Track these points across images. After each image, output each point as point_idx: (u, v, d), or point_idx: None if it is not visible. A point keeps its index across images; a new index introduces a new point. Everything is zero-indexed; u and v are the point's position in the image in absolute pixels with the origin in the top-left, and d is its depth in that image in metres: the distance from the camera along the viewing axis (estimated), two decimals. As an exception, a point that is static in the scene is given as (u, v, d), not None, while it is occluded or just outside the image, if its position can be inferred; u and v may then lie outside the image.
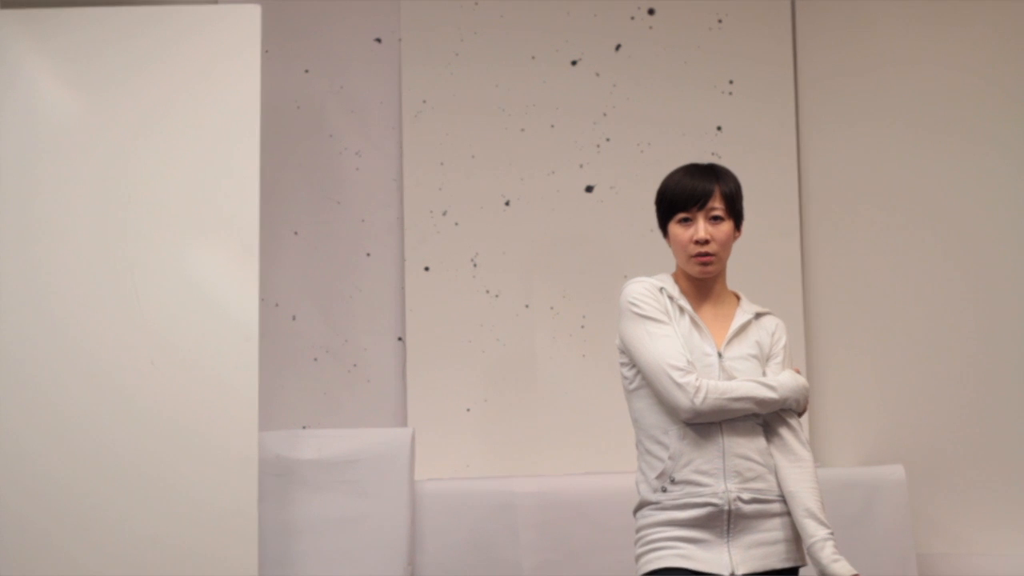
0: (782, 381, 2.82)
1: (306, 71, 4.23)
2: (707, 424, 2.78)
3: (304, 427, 4.04)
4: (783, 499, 2.80)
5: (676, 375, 2.76)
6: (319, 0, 4.25)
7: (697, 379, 2.75)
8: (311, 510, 3.67)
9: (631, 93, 4.22)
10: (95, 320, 3.47)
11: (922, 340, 4.17)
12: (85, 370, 3.45)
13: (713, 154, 4.17)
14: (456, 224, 4.16)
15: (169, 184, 3.56)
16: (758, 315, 2.93)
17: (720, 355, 2.83)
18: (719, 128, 4.21)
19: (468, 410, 4.10)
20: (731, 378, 2.81)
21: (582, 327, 4.13)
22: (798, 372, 2.90)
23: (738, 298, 2.96)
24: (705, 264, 2.86)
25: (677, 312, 2.86)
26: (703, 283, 2.90)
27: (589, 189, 4.20)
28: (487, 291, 4.15)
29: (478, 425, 4.09)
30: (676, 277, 2.92)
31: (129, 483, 3.40)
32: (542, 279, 4.17)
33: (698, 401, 2.74)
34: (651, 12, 4.25)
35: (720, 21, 4.25)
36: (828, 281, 4.21)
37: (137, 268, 3.51)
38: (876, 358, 4.17)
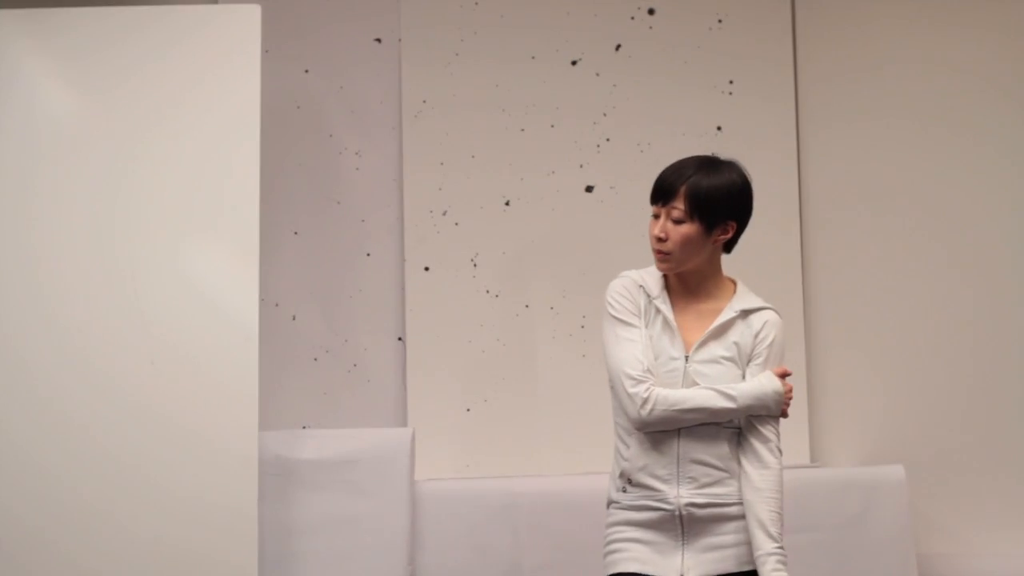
0: (745, 389, 2.77)
1: (306, 71, 4.22)
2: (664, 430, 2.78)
3: (304, 427, 4.04)
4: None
5: (627, 384, 2.76)
6: (319, 0, 4.25)
7: (648, 389, 2.74)
8: (311, 510, 3.67)
9: (631, 93, 4.22)
10: (95, 320, 3.47)
11: (922, 340, 4.17)
12: (85, 370, 3.45)
13: (713, 154, 4.16)
14: (456, 224, 4.15)
15: (169, 184, 3.56)
16: (746, 312, 2.86)
17: (687, 359, 2.81)
18: (719, 128, 4.21)
19: (468, 410, 4.09)
20: (694, 385, 2.78)
21: (582, 327, 4.12)
22: (786, 373, 2.84)
23: (735, 291, 2.90)
24: (661, 261, 2.84)
25: (653, 312, 2.84)
26: (690, 277, 2.87)
27: (589, 189, 4.19)
28: (487, 291, 4.15)
29: (478, 425, 4.08)
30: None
31: (129, 483, 3.40)
32: (542, 279, 4.16)
33: (644, 413, 2.73)
34: (651, 12, 4.25)
35: (720, 21, 4.25)
36: (828, 281, 4.21)
37: (137, 268, 3.51)
38: (876, 358, 4.17)
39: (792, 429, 4.09)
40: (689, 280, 2.87)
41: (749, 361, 2.84)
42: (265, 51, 3.72)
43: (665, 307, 2.84)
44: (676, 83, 4.22)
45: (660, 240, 2.82)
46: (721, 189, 2.81)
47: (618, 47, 4.24)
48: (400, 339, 4.15)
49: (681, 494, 2.76)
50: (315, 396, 4.12)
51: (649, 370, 2.77)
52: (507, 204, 4.18)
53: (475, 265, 4.15)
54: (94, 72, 3.62)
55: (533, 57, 4.22)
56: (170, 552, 3.37)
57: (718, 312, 2.86)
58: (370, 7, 4.25)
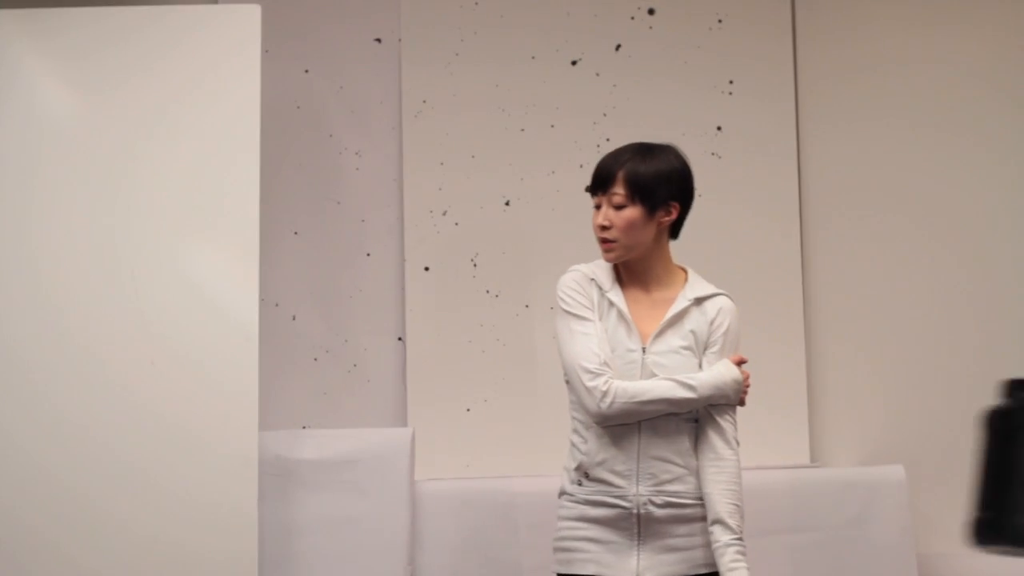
0: (704, 379, 2.74)
1: (306, 71, 4.22)
2: (625, 424, 2.75)
3: (304, 427, 4.04)
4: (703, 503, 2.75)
5: (586, 378, 2.73)
6: (319, 0, 4.25)
7: (607, 382, 2.71)
8: (311, 510, 3.67)
9: (631, 93, 4.22)
10: (95, 320, 3.47)
11: (922, 340, 4.17)
12: (85, 370, 3.44)
13: (713, 154, 4.17)
14: (456, 224, 4.15)
15: (169, 184, 3.56)
16: (699, 300, 2.83)
17: (644, 351, 2.79)
18: (719, 128, 4.21)
19: (468, 410, 4.09)
20: (652, 376, 2.75)
21: (582, 327, 4.12)
22: (742, 360, 2.82)
23: (687, 279, 2.88)
24: (607, 251, 2.83)
25: (606, 305, 2.82)
26: (639, 267, 2.85)
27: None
28: (487, 291, 4.15)
29: (478, 425, 4.08)
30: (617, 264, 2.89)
31: (129, 483, 3.39)
32: (542, 279, 4.16)
33: (604, 406, 2.71)
34: (651, 12, 4.25)
35: (720, 21, 4.25)
36: (828, 281, 4.21)
37: (137, 268, 3.51)
38: (876, 358, 4.17)
39: (792, 429, 4.10)
40: (639, 270, 2.86)
41: (705, 349, 2.81)
42: (265, 51, 3.72)
43: (618, 299, 2.81)
44: (676, 83, 4.22)
45: (604, 228, 2.81)
46: (660, 170, 2.81)
47: (618, 47, 4.24)
48: (400, 339, 4.15)
49: (640, 492, 2.74)
50: (315, 396, 4.12)
51: (606, 363, 2.74)
52: (507, 204, 4.18)
53: (475, 265, 4.15)
54: (94, 72, 3.61)
55: (533, 57, 4.22)
56: (170, 552, 3.37)
57: (671, 301, 2.83)
58: (370, 7, 4.25)
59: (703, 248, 4.09)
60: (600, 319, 2.81)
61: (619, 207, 2.80)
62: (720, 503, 2.71)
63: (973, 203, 4.21)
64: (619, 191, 2.80)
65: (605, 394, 2.71)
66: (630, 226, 2.79)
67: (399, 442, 3.74)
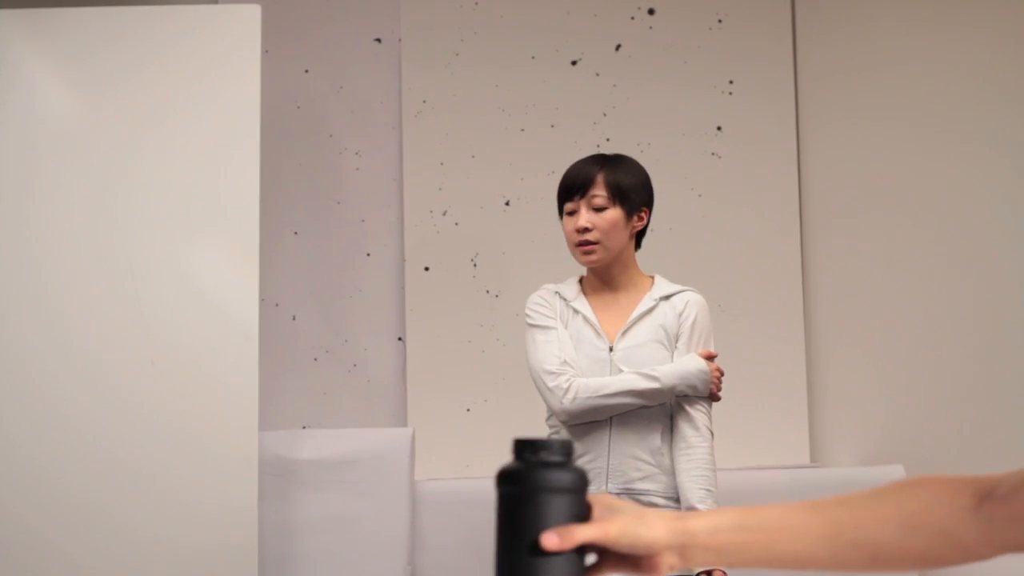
0: (667, 369, 2.74)
1: (306, 71, 4.22)
2: (596, 422, 2.76)
3: (304, 427, 4.04)
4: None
5: (547, 379, 2.77)
6: (319, 0, 4.25)
7: (568, 380, 2.74)
8: (311, 510, 3.67)
9: (631, 93, 4.22)
10: (95, 320, 3.47)
11: (922, 340, 4.17)
12: (85, 370, 3.44)
13: (713, 154, 4.17)
14: (456, 224, 4.15)
15: (169, 184, 3.56)
16: (667, 297, 2.84)
17: (611, 349, 2.80)
18: (719, 128, 4.21)
19: (468, 410, 4.09)
20: (618, 372, 2.76)
21: (582, 327, 4.12)
22: (711, 355, 2.80)
23: (654, 283, 2.89)
24: (587, 254, 2.82)
25: (571, 313, 2.84)
26: (607, 276, 2.87)
27: (589, 189, 4.19)
28: (487, 291, 4.15)
29: (478, 425, 4.08)
30: (583, 278, 2.92)
31: (129, 483, 3.39)
32: (542, 279, 4.15)
33: (567, 402, 2.73)
34: (651, 12, 4.25)
35: (720, 21, 4.25)
36: (828, 281, 4.21)
37: (137, 268, 3.51)
38: (876, 358, 4.17)
39: (792, 429, 4.10)
40: (605, 279, 2.88)
41: (677, 341, 2.81)
42: (265, 51, 3.72)
43: (583, 306, 2.85)
44: (676, 83, 4.22)
45: (585, 231, 2.81)
46: (635, 175, 2.84)
47: (618, 47, 4.24)
48: (400, 339, 4.15)
49: (609, 490, 2.74)
50: (315, 396, 4.12)
51: (567, 362, 2.77)
52: (507, 204, 4.18)
53: (475, 265, 4.15)
54: (94, 72, 3.61)
55: (533, 57, 4.22)
56: (170, 552, 3.37)
57: (638, 303, 2.85)
58: (370, 7, 4.25)
59: (703, 248, 4.10)
60: (566, 327, 2.83)
61: (600, 209, 2.80)
62: (691, 490, 2.70)
63: (973, 203, 4.21)
64: (600, 192, 2.80)
65: (567, 391, 2.73)
66: (613, 227, 2.80)
67: (399, 442, 3.74)
